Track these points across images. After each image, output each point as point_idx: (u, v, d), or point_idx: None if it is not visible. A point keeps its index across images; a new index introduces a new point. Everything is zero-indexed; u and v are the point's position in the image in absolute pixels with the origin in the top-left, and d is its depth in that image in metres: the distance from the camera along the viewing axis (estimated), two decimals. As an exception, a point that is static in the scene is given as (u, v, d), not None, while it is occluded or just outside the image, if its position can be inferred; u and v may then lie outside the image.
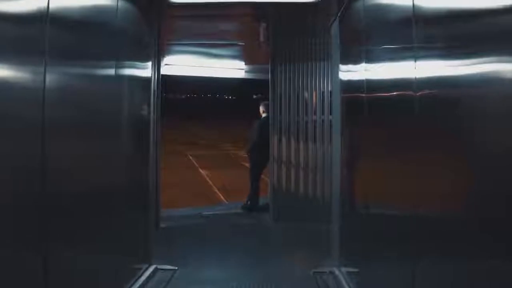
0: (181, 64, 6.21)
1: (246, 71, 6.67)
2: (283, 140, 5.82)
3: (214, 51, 5.70)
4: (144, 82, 3.66)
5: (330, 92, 5.36)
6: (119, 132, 2.83)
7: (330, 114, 5.38)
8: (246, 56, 6.18)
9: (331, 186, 4.27)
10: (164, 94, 5.66)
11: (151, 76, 3.79)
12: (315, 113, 5.57)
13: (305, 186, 5.66)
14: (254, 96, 40.93)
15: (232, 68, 6.55)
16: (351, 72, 3.41)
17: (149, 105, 3.74)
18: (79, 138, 2.18)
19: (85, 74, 2.33)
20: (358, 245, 3.04)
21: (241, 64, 6.50)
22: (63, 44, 1.96)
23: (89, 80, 2.37)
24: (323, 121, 5.51)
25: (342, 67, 3.67)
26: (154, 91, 5.03)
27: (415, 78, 1.78)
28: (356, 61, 3.11)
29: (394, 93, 2.27)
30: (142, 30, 3.40)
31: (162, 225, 5.34)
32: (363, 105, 2.82)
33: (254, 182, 6.34)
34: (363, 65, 2.87)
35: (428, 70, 1.70)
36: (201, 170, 10.87)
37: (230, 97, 75.59)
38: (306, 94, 5.69)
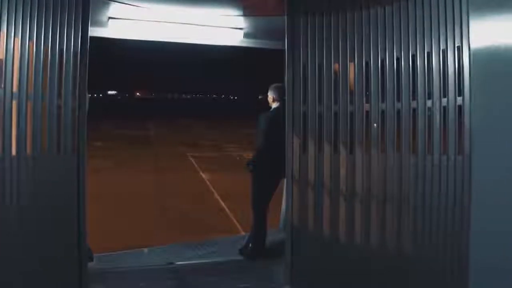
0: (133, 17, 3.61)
1: (246, 34, 4.12)
2: (310, 145, 3.43)
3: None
4: None
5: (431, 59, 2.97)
6: None
7: (427, 99, 3.01)
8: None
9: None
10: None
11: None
12: (383, 100, 3.10)
13: (350, 226, 3.25)
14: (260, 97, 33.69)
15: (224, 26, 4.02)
16: None
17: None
18: None
19: None
20: None
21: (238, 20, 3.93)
22: None
23: None
24: (412, 111, 3.10)
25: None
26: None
27: None
28: None
29: None
30: None
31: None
32: None
33: (259, 214, 3.92)
34: None
35: None
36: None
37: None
38: (352, 67, 3.27)
